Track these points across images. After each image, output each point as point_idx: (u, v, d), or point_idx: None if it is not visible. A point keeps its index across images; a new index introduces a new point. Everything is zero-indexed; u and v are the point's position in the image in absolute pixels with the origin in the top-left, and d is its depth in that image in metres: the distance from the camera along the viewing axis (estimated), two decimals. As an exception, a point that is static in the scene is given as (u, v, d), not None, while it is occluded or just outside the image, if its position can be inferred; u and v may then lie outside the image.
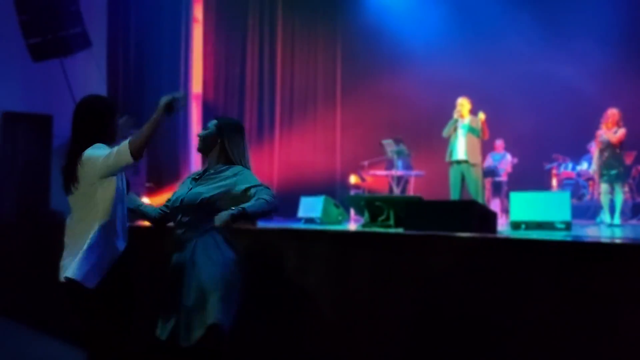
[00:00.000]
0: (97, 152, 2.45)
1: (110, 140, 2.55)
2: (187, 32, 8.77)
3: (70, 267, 2.40)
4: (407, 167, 9.20)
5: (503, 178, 9.06)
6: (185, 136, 8.58)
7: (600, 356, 2.14)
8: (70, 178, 2.45)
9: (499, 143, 9.33)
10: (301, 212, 6.43)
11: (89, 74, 8.31)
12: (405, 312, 2.59)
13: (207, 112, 9.14)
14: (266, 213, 2.50)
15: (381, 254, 2.69)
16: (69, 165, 2.48)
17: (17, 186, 7.66)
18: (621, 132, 6.44)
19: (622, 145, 6.51)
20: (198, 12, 9.10)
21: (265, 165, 9.47)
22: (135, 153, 2.39)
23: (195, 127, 8.93)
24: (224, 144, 2.65)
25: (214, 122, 2.73)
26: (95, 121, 2.55)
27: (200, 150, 2.74)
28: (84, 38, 7.34)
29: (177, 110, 2.58)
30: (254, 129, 9.54)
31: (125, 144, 2.40)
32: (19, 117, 7.96)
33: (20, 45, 7.32)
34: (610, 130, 6.47)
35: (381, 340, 2.64)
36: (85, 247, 2.41)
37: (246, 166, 2.68)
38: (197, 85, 9.01)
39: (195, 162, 8.76)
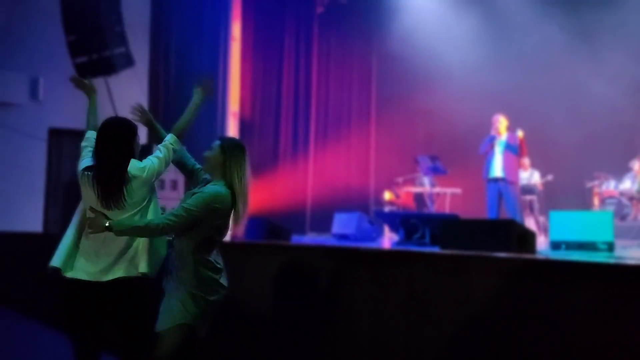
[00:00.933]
0: (145, 163, 2.70)
1: (136, 157, 2.75)
2: (225, 49, 9.00)
3: (141, 264, 2.63)
4: (434, 184, 9.15)
5: (532, 196, 8.87)
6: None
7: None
8: (119, 195, 2.59)
9: (525, 162, 9.16)
10: (335, 229, 6.45)
11: (132, 92, 8.60)
12: (442, 334, 2.56)
13: (244, 129, 9.32)
14: (138, 234, 2.61)
15: (418, 273, 2.68)
16: (116, 184, 2.59)
17: (63, 200, 7.95)
18: None
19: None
20: (236, 30, 9.33)
21: (300, 182, 9.56)
22: (180, 137, 2.88)
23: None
24: (226, 164, 2.74)
25: (218, 142, 2.83)
26: (128, 141, 2.74)
27: (206, 170, 2.84)
28: (128, 57, 7.62)
29: (213, 91, 3.01)
30: (289, 146, 9.67)
31: (170, 136, 2.85)
32: (65, 134, 8.29)
33: (68, 64, 7.65)
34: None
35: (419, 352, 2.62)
36: (145, 245, 2.66)
37: (243, 187, 2.74)
38: (234, 102, 9.21)
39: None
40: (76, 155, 8.20)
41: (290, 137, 9.70)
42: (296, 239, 5.20)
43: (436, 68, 10.96)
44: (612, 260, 2.92)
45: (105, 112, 8.37)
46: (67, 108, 8.26)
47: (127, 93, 8.60)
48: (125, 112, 9.05)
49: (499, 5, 10.18)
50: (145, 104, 8.76)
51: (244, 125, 9.32)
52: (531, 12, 9.82)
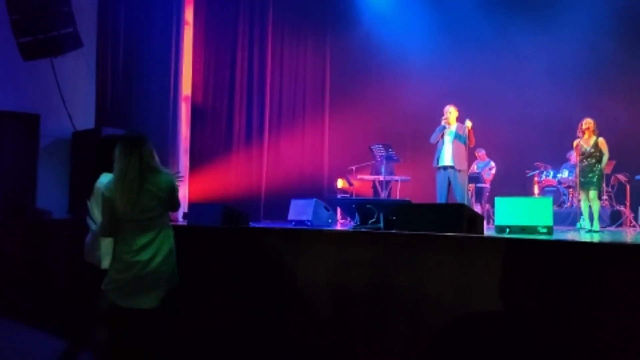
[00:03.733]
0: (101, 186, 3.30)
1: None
2: (177, 34, 8.80)
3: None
4: (390, 172, 9.37)
5: (485, 185, 9.27)
6: (174, 139, 8.61)
7: (584, 349, 2.29)
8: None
9: (481, 152, 9.57)
10: (291, 215, 6.51)
11: (79, 74, 8.31)
12: (402, 308, 2.71)
13: (196, 115, 9.19)
14: None
15: (379, 252, 2.81)
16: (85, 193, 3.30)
17: (4, 184, 7.61)
18: (602, 142, 6.64)
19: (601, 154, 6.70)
20: (189, 14, 9.15)
21: (254, 169, 9.54)
22: None
23: (184, 129, 8.98)
24: None
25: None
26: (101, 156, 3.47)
27: None
28: (75, 38, 7.35)
29: None
30: (243, 133, 9.61)
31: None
32: (7, 116, 7.92)
33: (10, 44, 7.30)
34: (589, 139, 6.69)
35: (379, 335, 2.75)
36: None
37: None
38: (186, 87, 9.05)
39: (184, 164, 8.81)
40: (18, 139, 8.00)
41: (244, 123, 9.65)
42: (256, 224, 5.24)
43: (390, 58, 11.19)
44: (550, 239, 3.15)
45: (50, 94, 8.11)
46: (8, 90, 7.88)
47: (74, 75, 8.30)
48: (71, 94, 8.73)
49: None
50: (92, 87, 8.48)
51: (196, 111, 9.18)
52: (482, 6, 10.17)
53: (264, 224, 7.74)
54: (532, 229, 5.40)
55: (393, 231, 3.07)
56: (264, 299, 3.35)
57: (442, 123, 6.82)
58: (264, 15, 9.98)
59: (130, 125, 8.08)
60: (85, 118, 8.35)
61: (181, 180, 3.57)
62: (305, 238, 3.14)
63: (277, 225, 6.30)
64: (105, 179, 3.20)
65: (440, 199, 6.73)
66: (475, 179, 9.07)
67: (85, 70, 8.36)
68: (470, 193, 8.59)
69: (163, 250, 3.03)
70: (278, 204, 8.88)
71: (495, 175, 9.57)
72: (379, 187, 9.44)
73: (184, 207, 8.28)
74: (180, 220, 7.79)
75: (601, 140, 6.66)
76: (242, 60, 9.72)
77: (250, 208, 8.78)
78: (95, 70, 8.43)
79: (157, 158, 3.10)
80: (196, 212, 5.03)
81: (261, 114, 9.76)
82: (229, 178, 9.20)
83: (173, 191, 3.12)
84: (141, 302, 2.98)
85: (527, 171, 9.89)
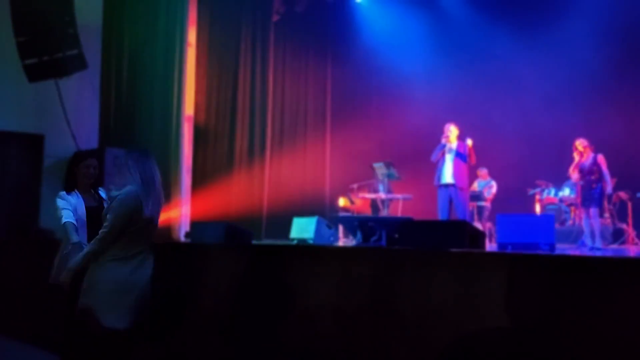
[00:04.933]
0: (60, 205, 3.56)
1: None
2: (180, 55, 8.91)
3: None
4: (389, 190, 9.40)
5: (486, 203, 9.28)
6: (177, 158, 8.65)
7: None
8: None
9: (483, 171, 9.59)
10: (293, 233, 6.52)
11: (83, 95, 8.41)
12: (405, 325, 2.71)
13: (199, 134, 9.26)
14: None
15: (381, 269, 2.82)
16: None
17: (8, 204, 7.65)
18: (601, 158, 6.68)
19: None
20: (192, 35, 9.27)
21: (256, 188, 9.58)
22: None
23: (187, 148, 9.03)
24: None
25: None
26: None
27: None
28: (80, 60, 7.44)
29: None
30: (245, 152, 9.69)
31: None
32: (11, 137, 7.99)
33: (16, 65, 7.40)
34: (588, 159, 6.72)
35: (383, 353, 2.75)
36: None
37: None
38: (189, 107, 9.13)
39: (187, 183, 8.84)
40: (22, 159, 8.11)
41: (246, 142, 9.72)
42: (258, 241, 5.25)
43: (390, 77, 11.30)
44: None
45: (54, 115, 8.19)
46: (13, 110, 7.97)
47: (78, 95, 8.39)
48: (75, 114, 8.81)
49: (453, 17, 10.63)
50: (96, 107, 8.57)
51: (198, 130, 9.25)
52: (485, 25, 10.31)
53: (266, 242, 7.75)
54: (535, 246, 5.40)
55: (395, 248, 3.08)
56: (267, 316, 3.35)
57: (443, 141, 6.87)
58: (265, 36, 10.13)
59: (133, 145, 8.13)
60: (89, 138, 8.41)
61: None
62: (308, 255, 3.16)
63: (279, 243, 6.31)
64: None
65: (442, 216, 6.74)
66: (476, 197, 9.08)
67: (90, 91, 8.46)
68: (471, 211, 8.59)
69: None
70: (280, 222, 8.89)
71: (497, 193, 9.57)
72: (380, 205, 9.45)
73: (186, 226, 8.31)
74: (182, 239, 7.80)
75: (600, 156, 6.70)
76: (244, 80, 9.84)
77: (252, 226, 8.77)
78: (99, 91, 8.53)
79: None
80: (199, 231, 5.05)
81: (263, 133, 9.85)
82: (231, 197, 9.23)
83: None
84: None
85: (528, 189, 9.91)
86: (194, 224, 5.67)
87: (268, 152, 9.88)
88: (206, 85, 9.60)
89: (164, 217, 7.79)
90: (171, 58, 8.85)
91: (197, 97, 9.34)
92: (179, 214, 8.32)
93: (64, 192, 3.42)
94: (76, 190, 3.45)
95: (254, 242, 5.36)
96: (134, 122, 8.57)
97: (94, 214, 3.27)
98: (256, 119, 9.82)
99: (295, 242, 6.36)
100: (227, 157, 9.53)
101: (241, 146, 9.63)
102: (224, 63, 9.79)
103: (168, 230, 8.06)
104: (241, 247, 3.81)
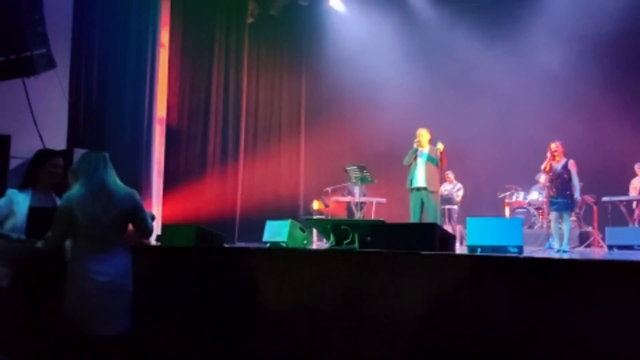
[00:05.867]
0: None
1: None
2: (152, 56, 8.79)
3: None
4: (363, 193, 9.47)
5: (455, 206, 9.43)
6: (148, 160, 8.51)
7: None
8: None
9: (450, 175, 9.76)
10: (266, 236, 6.47)
11: (51, 96, 8.20)
12: (376, 326, 2.73)
13: (171, 136, 9.14)
14: None
15: (353, 271, 2.83)
16: None
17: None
18: (572, 164, 6.84)
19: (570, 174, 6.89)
20: (164, 37, 9.17)
21: (229, 191, 9.50)
22: None
23: (159, 150, 8.91)
24: None
25: None
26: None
27: None
28: (49, 59, 7.25)
29: None
30: (218, 154, 9.60)
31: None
32: (-25, 136, 7.74)
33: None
34: (560, 162, 6.89)
35: (353, 354, 2.76)
36: None
37: None
38: (161, 109, 9.02)
39: (158, 186, 8.72)
40: None
41: (219, 145, 9.64)
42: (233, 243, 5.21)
43: (364, 81, 11.40)
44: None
45: (22, 115, 7.97)
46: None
47: (46, 95, 8.19)
48: (43, 115, 8.56)
49: (425, 23, 10.79)
50: (65, 108, 8.37)
51: (170, 132, 9.14)
52: (457, 31, 10.49)
53: (238, 245, 7.69)
54: (503, 249, 5.50)
55: (367, 250, 3.10)
56: (239, 319, 3.33)
57: (415, 146, 6.94)
58: (239, 38, 10.08)
59: (103, 147, 7.99)
60: (57, 139, 8.21)
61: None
62: (280, 258, 3.15)
63: (252, 246, 6.26)
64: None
65: (414, 219, 6.81)
66: (447, 200, 9.22)
67: (58, 91, 8.26)
68: (442, 214, 8.72)
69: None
70: (253, 225, 8.83)
71: (467, 196, 9.74)
72: (354, 208, 9.51)
73: (157, 229, 8.19)
74: (154, 242, 7.69)
75: (572, 162, 6.86)
76: (217, 82, 9.77)
77: (224, 230, 8.70)
78: (68, 91, 8.34)
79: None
80: (170, 234, 4.98)
81: (236, 135, 9.78)
82: (203, 200, 9.14)
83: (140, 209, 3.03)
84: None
85: (498, 193, 10.11)
86: (165, 227, 5.57)
87: (241, 155, 9.81)
88: (179, 87, 9.51)
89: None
90: (143, 59, 8.72)
91: (169, 99, 9.23)
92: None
93: (14, 190, 3.29)
94: (30, 189, 3.29)
95: (226, 245, 5.31)
96: (103, 123, 8.40)
97: (47, 215, 3.13)
98: (230, 121, 9.75)
99: (268, 245, 6.33)
100: (199, 160, 9.44)
101: (214, 148, 9.55)
102: (198, 65, 9.71)
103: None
104: (212, 250, 3.78)
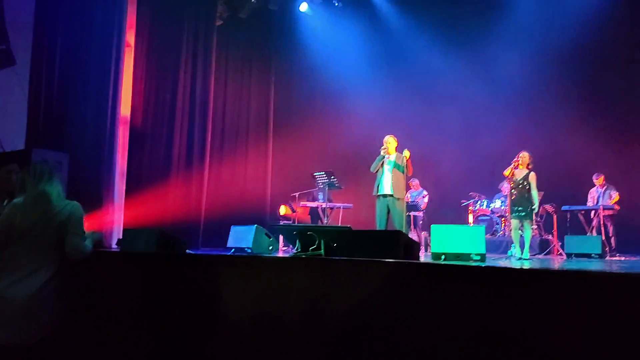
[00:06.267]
0: None
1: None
2: (117, 55, 8.58)
3: None
4: (330, 199, 9.48)
5: (420, 213, 9.54)
6: (110, 161, 8.29)
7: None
8: None
9: (415, 182, 9.88)
10: (231, 242, 6.39)
11: (10, 94, 7.93)
12: (339, 334, 2.70)
13: (135, 138, 8.95)
14: None
15: (317, 278, 2.80)
16: None
17: None
18: (532, 176, 7.02)
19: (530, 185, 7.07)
20: (130, 37, 8.99)
21: (194, 195, 9.34)
22: None
23: (122, 152, 8.70)
24: None
25: None
26: None
27: None
28: (8, 56, 7.03)
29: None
30: (183, 157, 9.43)
31: None
32: None
33: None
34: (522, 171, 7.07)
35: (317, 357, 2.73)
36: None
37: None
38: (125, 109, 8.82)
39: (120, 188, 8.51)
40: None
41: (184, 147, 9.46)
42: (195, 250, 5.11)
43: (332, 87, 11.44)
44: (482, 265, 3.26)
45: (-22, 112, 7.63)
46: None
47: (5, 93, 7.91)
48: (1, 115, 8.28)
49: (394, 32, 10.91)
50: (24, 106, 8.09)
51: (134, 133, 8.94)
52: (424, 40, 10.64)
53: (202, 251, 7.57)
54: (466, 257, 5.57)
55: (331, 257, 3.09)
56: (199, 328, 3.25)
57: (382, 153, 6.99)
58: (208, 40, 9.96)
59: (63, 147, 7.74)
60: (15, 139, 7.93)
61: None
62: (243, 265, 3.10)
63: (216, 252, 6.16)
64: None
65: (380, 226, 6.84)
66: (412, 207, 9.32)
67: (18, 89, 7.99)
68: (407, 221, 8.79)
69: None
70: (218, 230, 8.69)
71: (432, 203, 9.86)
72: (321, 214, 9.49)
73: (118, 233, 7.97)
74: (114, 247, 7.48)
75: (532, 174, 7.04)
76: (184, 84, 9.61)
77: (188, 235, 8.57)
78: (27, 90, 8.06)
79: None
80: (130, 238, 4.85)
81: (203, 138, 9.63)
82: (167, 203, 8.95)
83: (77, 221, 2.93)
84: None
85: (462, 200, 10.28)
86: (126, 231, 5.42)
87: (207, 158, 9.66)
88: (144, 88, 9.31)
89: (96, 223, 7.48)
90: (107, 58, 8.50)
91: (134, 99, 9.04)
92: (112, 220, 7.98)
93: None
94: None
95: (189, 251, 5.21)
96: (65, 123, 8.14)
97: None
98: (196, 124, 9.59)
99: (233, 251, 6.24)
100: (164, 162, 9.25)
101: (179, 151, 9.37)
102: (164, 65, 9.53)
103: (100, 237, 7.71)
104: (173, 256, 3.69)
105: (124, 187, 8.55)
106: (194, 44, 9.81)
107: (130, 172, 8.68)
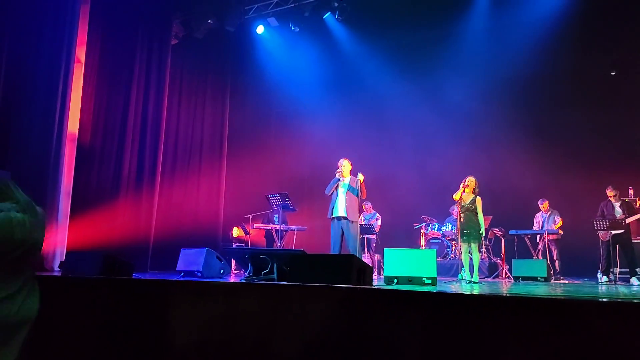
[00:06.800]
0: None
1: None
2: (66, 71, 8.31)
3: None
4: (285, 221, 9.42)
5: (373, 235, 9.62)
6: (55, 179, 7.96)
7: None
8: None
9: (368, 205, 9.98)
10: (180, 265, 6.22)
11: (-53, 106, 7.52)
12: (287, 358, 2.64)
13: (82, 155, 8.63)
14: None
15: (267, 304, 2.74)
16: None
17: None
18: (478, 200, 7.23)
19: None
20: (81, 53, 8.74)
21: (143, 216, 9.05)
22: None
23: (68, 170, 8.37)
24: None
25: None
26: None
27: None
28: (-54, 67, 6.66)
29: None
30: (133, 176, 9.14)
31: None
32: None
33: None
34: (469, 196, 7.25)
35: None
36: None
37: None
38: (73, 126, 8.51)
39: (65, 208, 8.16)
40: None
41: (134, 167, 9.18)
42: (142, 275, 4.91)
43: (288, 111, 11.49)
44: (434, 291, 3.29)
45: None
46: None
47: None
48: None
49: (347, 57, 11.08)
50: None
51: (82, 151, 8.62)
52: (376, 65, 10.86)
53: (150, 274, 7.32)
54: (418, 280, 5.64)
55: (282, 283, 3.03)
56: (145, 356, 3.11)
57: (336, 176, 7.02)
58: (162, 59, 9.80)
59: (5, 163, 7.38)
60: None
61: None
62: (191, 290, 3.00)
63: (164, 276, 5.97)
64: None
65: (334, 249, 6.83)
66: (365, 230, 9.38)
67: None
68: (361, 243, 8.83)
69: None
70: (168, 253, 8.45)
71: (385, 226, 9.96)
72: (275, 236, 9.40)
73: (61, 256, 7.61)
74: (56, 270, 7.13)
75: (478, 199, 7.25)
76: (136, 102, 9.38)
77: (137, 257, 8.27)
78: (-33, 103, 7.67)
79: None
80: (74, 261, 4.64)
81: (154, 157, 9.38)
82: (115, 224, 8.63)
83: None
84: None
85: (415, 223, 10.44)
86: (69, 254, 5.18)
87: (159, 178, 9.40)
88: (94, 105, 9.04)
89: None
90: (56, 74, 8.22)
91: (83, 116, 8.75)
92: (54, 242, 7.61)
93: None
94: None
95: (136, 274, 5.02)
96: (7, 139, 7.78)
97: None
98: (147, 143, 9.35)
99: (182, 274, 6.06)
100: (113, 181, 8.94)
101: (129, 170, 9.09)
102: (116, 83, 9.30)
103: (41, 259, 7.34)
104: (118, 280, 3.53)
105: (69, 206, 8.20)
106: (147, 62, 9.63)
107: (77, 191, 8.34)
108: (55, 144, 8.01)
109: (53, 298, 3.34)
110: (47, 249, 7.51)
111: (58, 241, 7.71)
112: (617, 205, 8.01)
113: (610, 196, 8.08)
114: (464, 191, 7.28)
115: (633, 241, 7.82)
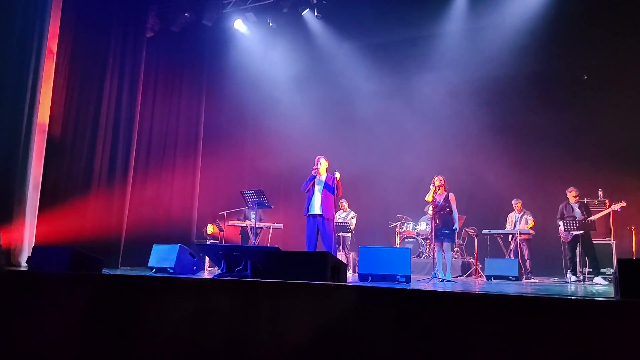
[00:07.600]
0: None
1: None
2: (37, 62, 8.09)
3: None
4: (260, 218, 9.36)
5: (349, 233, 9.64)
6: (23, 172, 7.74)
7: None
8: None
9: (343, 203, 10.00)
10: (152, 262, 6.12)
11: None
12: (259, 356, 2.61)
13: (53, 147, 8.42)
14: None
15: (238, 302, 2.70)
16: None
17: None
18: (452, 197, 7.31)
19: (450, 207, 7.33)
20: (53, 44, 8.52)
21: (115, 210, 8.87)
22: None
23: (37, 163, 8.15)
24: None
25: None
26: None
27: None
28: None
29: None
30: (105, 170, 8.95)
31: None
32: None
33: None
34: (442, 194, 7.32)
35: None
36: None
37: None
38: (43, 117, 8.28)
39: (33, 202, 7.94)
40: None
41: (107, 160, 8.98)
42: (112, 270, 4.81)
43: (265, 107, 11.41)
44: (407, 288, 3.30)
45: None
46: None
47: None
48: None
49: (325, 54, 11.06)
50: None
51: (52, 143, 8.40)
52: (355, 64, 10.86)
53: (121, 271, 7.19)
54: (392, 278, 5.68)
55: (255, 279, 3.00)
56: (114, 354, 3.04)
57: (313, 173, 7.01)
58: (137, 52, 9.61)
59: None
60: None
61: None
62: (162, 286, 2.94)
63: (135, 272, 5.87)
64: None
65: (309, 246, 6.82)
66: (341, 228, 9.39)
67: None
68: (337, 241, 8.84)
69: None
70: (140, 249, 8.30)
71: (361, 224, 9.98)
72: (250, 233, 9.34)
73: (29, 251, 7.41)
74: (23, 265, 6.94)
75: (452, 195, 7.32)
76: (109, 95, 9.19)
77: (107, 253, 8.12)
78: None
79: None
80: (41, 256, 4.51)
81: (127, 151, 9.19)
82: (85, 219, 8.44)
83: None
84: None
85: (390, 222, 10.50)
86: (36, 249, 5.04)
87: (131, 173, 9.23)
88: (66, 96, 8.81)
89: (4, 239, 6.91)
90: (26, 64, 8.00)
91: (53, 108, 8.52)
92: (22, 236, 7.40)
93: None
94: None
95: (106, 270, 4.91)
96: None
97: None
98: (120, 137, 9.16)
99: (154, 271, 5.96)
100: (84, 175, 8.74)
101: (101, 164, 8.90)
102: (88, 75, 9.08)
103: (8, 254, 7.13)
104: (86, 276, 3.45)
105: (38, 200, 7.99)
106: (121, 54, 9.44)
107: (46, 184, 8.12)
108: (25, 136, 7.79)
109: (19, 294, 3.25)
110: (14, 244, 7.31)
111: (26, 236, 7.51)
112: (575, 206, 8.15)
113: (571, 197, 8.18)
114: (435, 191, 7.35)
115: (594, 242, 7.97)
